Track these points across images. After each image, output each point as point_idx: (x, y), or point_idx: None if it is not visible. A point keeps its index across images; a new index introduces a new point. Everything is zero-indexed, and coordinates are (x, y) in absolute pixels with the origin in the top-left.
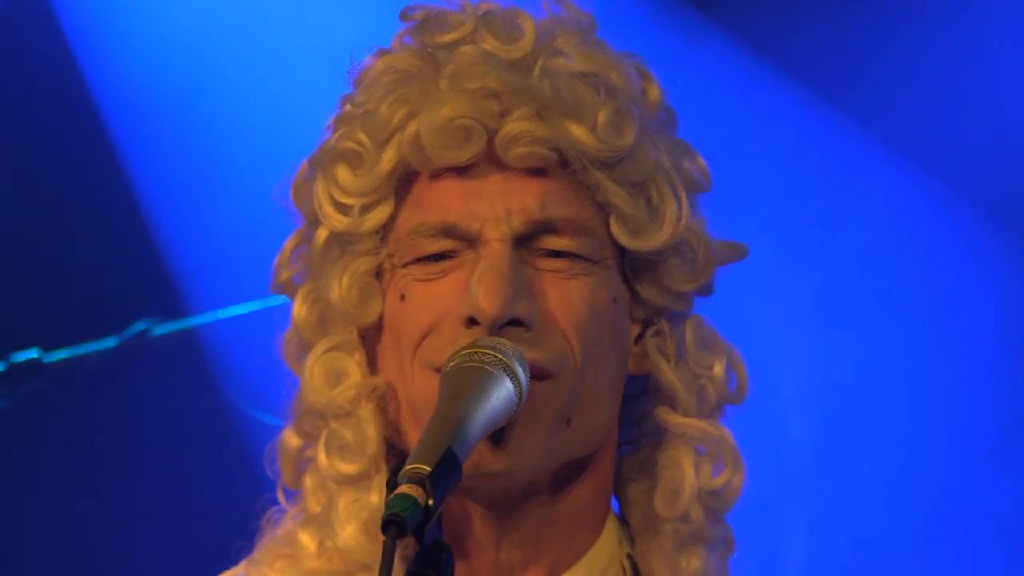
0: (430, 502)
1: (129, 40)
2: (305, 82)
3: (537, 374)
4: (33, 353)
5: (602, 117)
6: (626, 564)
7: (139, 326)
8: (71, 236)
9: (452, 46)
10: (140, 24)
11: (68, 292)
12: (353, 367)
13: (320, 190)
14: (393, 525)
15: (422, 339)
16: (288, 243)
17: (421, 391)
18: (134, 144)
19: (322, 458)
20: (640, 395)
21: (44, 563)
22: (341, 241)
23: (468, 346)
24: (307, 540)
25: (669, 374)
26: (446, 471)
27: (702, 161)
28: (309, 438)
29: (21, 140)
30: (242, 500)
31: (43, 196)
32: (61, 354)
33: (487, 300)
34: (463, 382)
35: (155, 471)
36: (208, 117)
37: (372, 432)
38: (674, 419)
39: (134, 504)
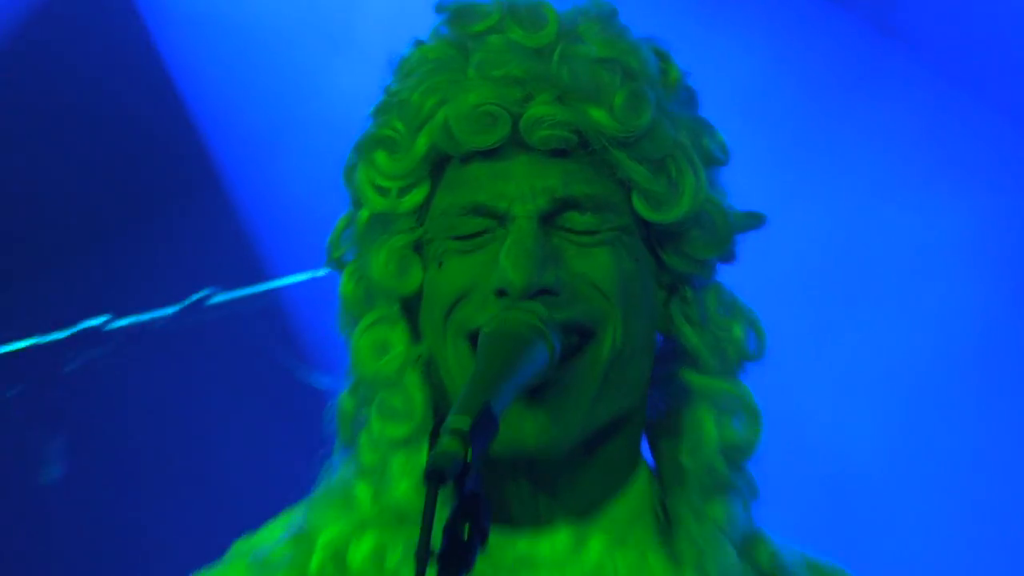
0: (468, 454)
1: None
2: (374, 66)
3: (576, 330)
4: (99, 320)
5: (619, 99)
6: (659, 510)
7: (201, 293)
8: (141, 206)
9: (481, 36)
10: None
11: (137, 260)
12: (397, 338)
13: (361, 174)
14: (434, 477)
15: (454, 305)
16: (338, 224)
17: (453, 354)
18: (206, 114)
19: (375, 423)
20: (666, 357)
21: (104, 523)
22: (382, 221)
23: (502, 310)
24: (362, 491)
25: (693, 337)
26: (483, 425)
27: (721, 137)
28: (362, 402)
29: (98, 113)
30: (300, 465)
31: (116, 165)
32: (125, 321)
33: (515, 272)
34: (497, 342)
35: (216, 436)
36: (279, 91)
37: (419, 398)
38: (697, 379)
39: (194, 467)
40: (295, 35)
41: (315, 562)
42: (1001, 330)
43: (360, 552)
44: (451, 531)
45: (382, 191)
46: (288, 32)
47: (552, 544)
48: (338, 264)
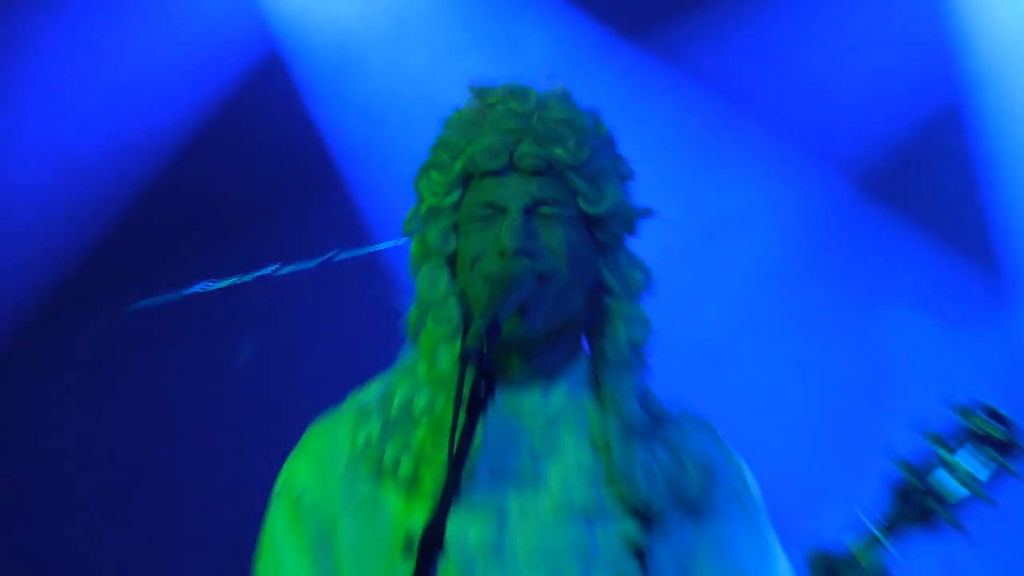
0: (484, 346)
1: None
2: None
3: (543, 274)
4: (269, 269)
5: (571, 143)
6: (592, 378)
7: (331, 253)
8: (261, 175)
9: (492, 105)
10: None
11: (294, 231)
12: (442, 278)
13: (423, 184)
14: (464, 358)
15: (475, 259)
16: (409, 212)
17: (476, 288)
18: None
19: (429, 326)
20: (596, 290)
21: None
22: (434, 211)
23: (502, 263)
24: (421, 366)
25: (611, 278)
26: (493, 329)
27: (628, 164)
28: (422, 315)
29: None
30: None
31: (238, 137)
32: (286, 270)
33: (509, 241)
34: (500, 282)
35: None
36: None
37: (456, 312)
38: (613, 302)
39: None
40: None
41: (394, 409)
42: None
43: (420, 402)
44: (474, 389)
45: (435, 194)
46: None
47: (531, 398)
48: (410, 235)
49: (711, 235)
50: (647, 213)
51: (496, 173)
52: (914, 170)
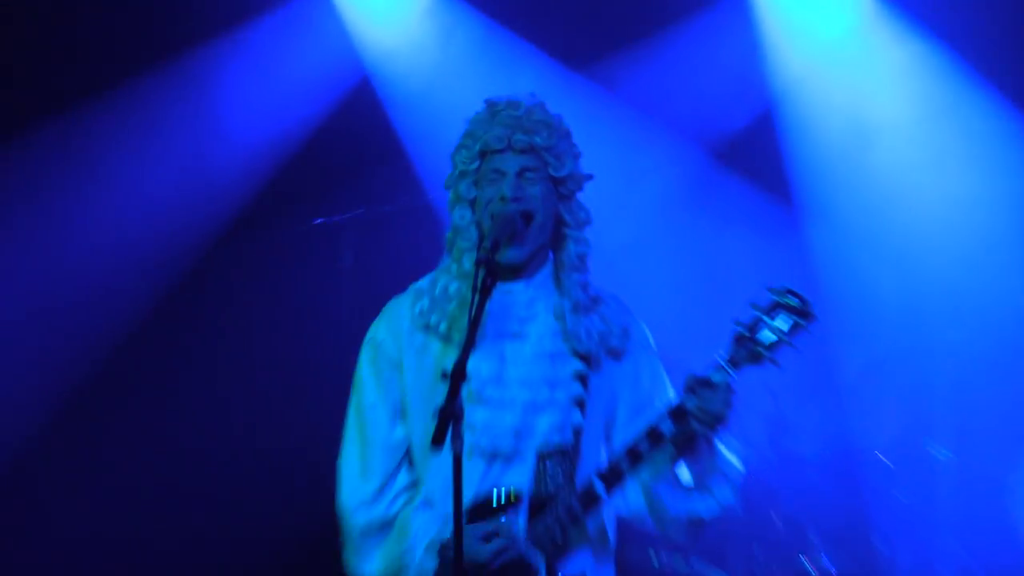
0: (491, 261)
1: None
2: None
3: (527, 214)
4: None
5: (545, 135)
6: (555, 279)
7: (396, 204)
8: (355, 169)
9: (498, 111)
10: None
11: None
12: (467, 214)
13: (456, 156)
14: (479, 263)
15: (487, 203)
16: (449, 176)
17: (486, 223)
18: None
19: (458, 241)
20: (557, 224)
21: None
22: (463, 173)
23: (502, 206)
24: (453, 266)
25: (567, 215)
26: (493, 252)
27: (577, 148)
28: (454, 236)
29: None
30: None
31: (338, 141)
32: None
33: (507, 192)
34: (501, 219)
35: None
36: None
37: (474, 235)
38: (569, 231)
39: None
40: None
41: (437, 291)
42: None
43: (452, 288)
44: (484, 281)
45: (463, 163)
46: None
47: (518, 287)
48: (448, 188)
49: (623, 192)
50: (589, 177)
51: (500, 151)
52: (749, 145)
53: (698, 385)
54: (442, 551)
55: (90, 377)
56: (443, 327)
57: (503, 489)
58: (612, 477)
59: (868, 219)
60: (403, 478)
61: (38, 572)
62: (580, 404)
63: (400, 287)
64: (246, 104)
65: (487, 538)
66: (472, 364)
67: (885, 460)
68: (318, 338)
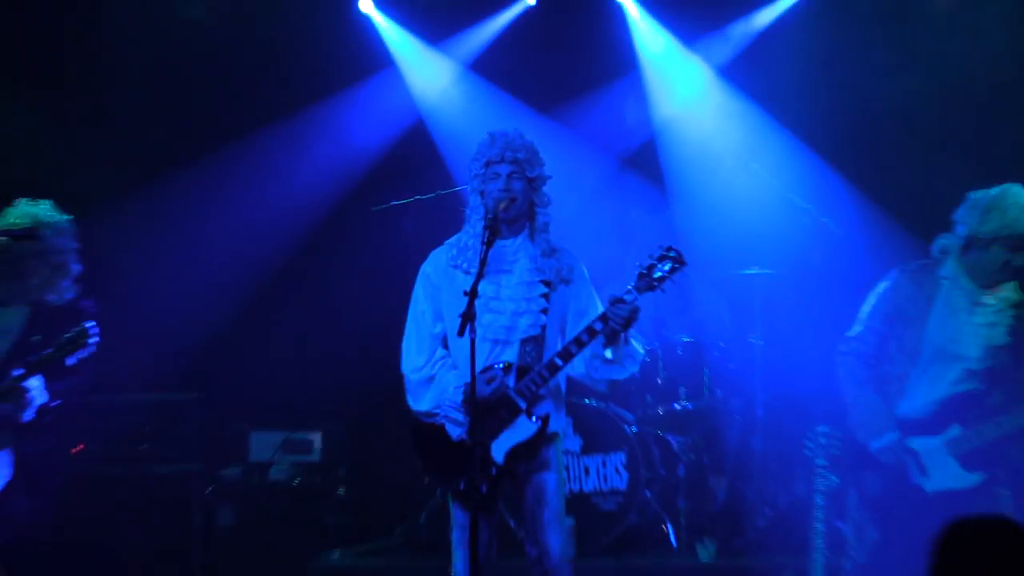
0: (492, 226)
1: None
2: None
3: (512, 200)
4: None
5: (524, 153)
6: (531, 234)
7: (436, 192)
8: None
9: (495, 138)
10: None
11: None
12: (478, 199)
13: (471, 165)
14: (485, 227)
15: (489, 193)
16: (469, 179)
17: (488, 204)
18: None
19: (472, 217)
20: (532, 204)
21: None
22: (475, 176)
23: (500, 195)
24: (469, 228)
25: (536, 199)
26: (496, 215)
27: (542, 160)
28: (471, 212)
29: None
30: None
31: (398, 168)
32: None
33: (503, 185)
34: (497, 201)
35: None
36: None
37: (482, 211)
38: (537, 209)
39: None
40: None
41: (460, 243)
42: None
43: (469, 242)
44: (488, 240)
45: (476, 169)
46: None
47: (507, 241)
48: (467, 186)
49: (567, 186)
50: (549, 176)
51: (497, 162)
52: (642, 156)
53: (616, 302)
54: (465, 389)
55: (253, 301)
56: (464, 265)
57: (500, 362)
58: (565, 355)
59: (711, 201)
60: (440, 353)
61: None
62: (544, 311)
63: (438, 244)
64: (343, 134)
65: (489, 380)
66: (481, 287)
67: (723, 345)
68: (390, 276)
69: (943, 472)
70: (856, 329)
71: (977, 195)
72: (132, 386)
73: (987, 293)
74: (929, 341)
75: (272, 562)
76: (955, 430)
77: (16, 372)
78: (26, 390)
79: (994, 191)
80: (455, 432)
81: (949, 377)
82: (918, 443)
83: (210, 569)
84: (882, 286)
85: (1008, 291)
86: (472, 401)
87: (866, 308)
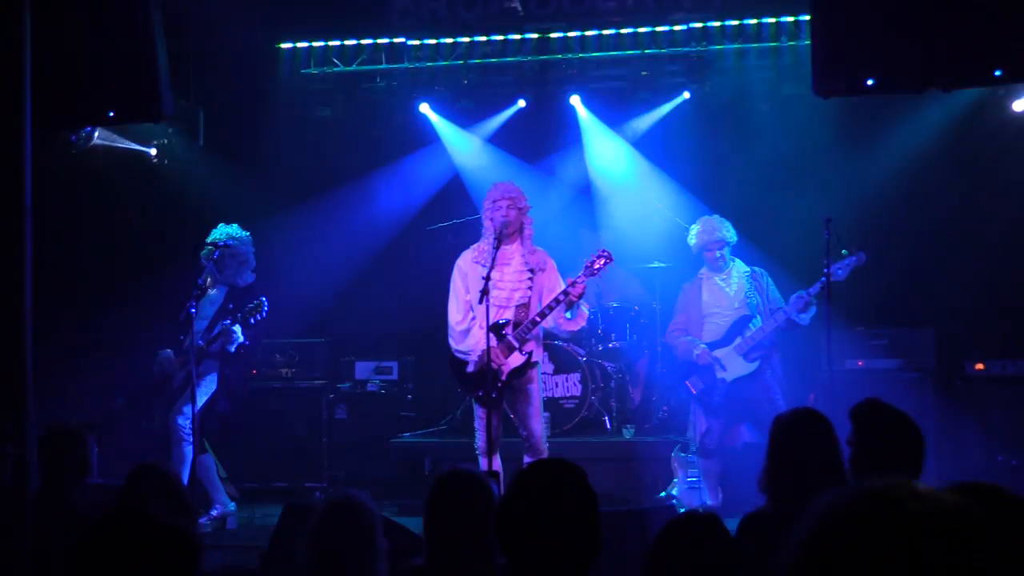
0: (497, 239)
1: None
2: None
3: (508, 223)
4: (449, 222)
5: (515, 193)
6: (521, 240)
7: (464, 218)
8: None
9: (498, 185)
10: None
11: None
12: (488, 224)
13: (484, 202)
14: (494, 237)
15: (496, 219)
16: (483, 210)
17: (495, 227)
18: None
19: (488, 226)
20: (520, 225)
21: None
22: (486, 209)
23: (503, 215)
24: (484, 240)
25: (524, 220)
26: (500, 232)
27: (526, 198)
28: (483, 235)
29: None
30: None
31: (438, 213)
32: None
33: (504, 215)
34: (500, 225)
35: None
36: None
37: (489, 235)
38: (525, 225)
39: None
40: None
41: (480, 248)
42: None
43: (485, 247)
44: (495, 246)
45: (486, 205)
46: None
47: (507, 245)
48: (481, 214)
49: (540, 208)
50: (531, 206)
51: (499, 200)
52: (586, 190)
53: (572, 283)
54: (492, 326)
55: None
56: (482, 261)
57: (503, 319)
58: (542, 315)
59: (628, 219)
60: (468, 315)
61: None
62: (530, 288)
63: (467, 246)
64: (410, 182)
65: (497, 330)
66: (491, 274)
67: (637, 308)
68: (440, 268)
69: (734, 365)
70: (674, 318)
71: (704, 220)
72: (285, 333)
73: (723, 275)
74: (705, 308)
75: (369, 441)
76: (738, 339)
77: (226, 322)
78: (233, 332)
79: (702, 219)
80: (470, 367)
81: (724, 318)
82: (719, 351)
83: (332, 446)
84: (682, 289)
85: (735, 270)
86: (488, 349)
87: (677, 304)
